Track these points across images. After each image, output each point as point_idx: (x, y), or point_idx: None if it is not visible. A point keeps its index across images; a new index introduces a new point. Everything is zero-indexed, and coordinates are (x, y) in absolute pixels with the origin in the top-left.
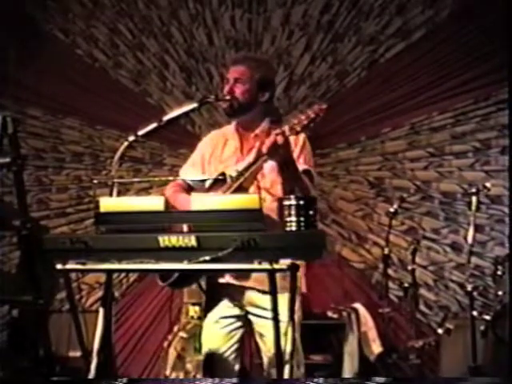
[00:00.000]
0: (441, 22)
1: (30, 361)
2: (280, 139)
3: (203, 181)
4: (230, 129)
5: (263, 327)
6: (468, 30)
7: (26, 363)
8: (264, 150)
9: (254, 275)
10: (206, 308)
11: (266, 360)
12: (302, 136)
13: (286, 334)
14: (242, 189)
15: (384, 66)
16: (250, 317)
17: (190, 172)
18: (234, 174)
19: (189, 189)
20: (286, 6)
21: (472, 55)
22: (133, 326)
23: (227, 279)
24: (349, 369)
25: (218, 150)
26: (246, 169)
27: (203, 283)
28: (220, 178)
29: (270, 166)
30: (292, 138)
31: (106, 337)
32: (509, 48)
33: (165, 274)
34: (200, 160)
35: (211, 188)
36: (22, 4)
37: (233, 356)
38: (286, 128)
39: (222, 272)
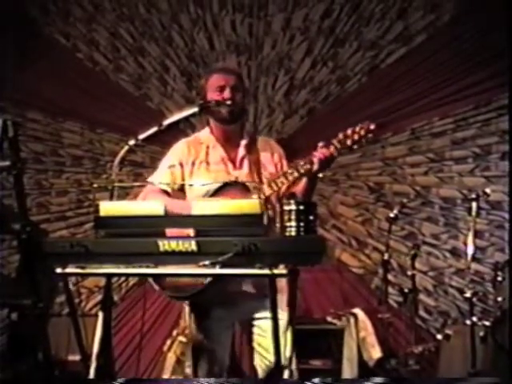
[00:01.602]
0: (441, 27)
1: (29, 364)
2: (334, 151)
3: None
4: (206, 136)
5: (259, 327)
6: (469, 35)
7: (26, 367)
8: (316, 160)
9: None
10: (198, 314)
11: (259, 362)
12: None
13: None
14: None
15: (385, 72)
16: (252, 322)
17: (167, 179)
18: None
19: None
20: (287, 11)
21: (473, 60)
22: (132, 330)
23: (245, 288)
24: (348, 374)
25: (202, 157)
26: (285, 177)
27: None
28: (226, 183)
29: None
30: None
31: (106, 341)
32: (509, 53)
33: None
34: (179, 167)
35: (215, 194)
36: (23, 7)
37: (224, 358)
38: (335, 142)
39: (222, 277)
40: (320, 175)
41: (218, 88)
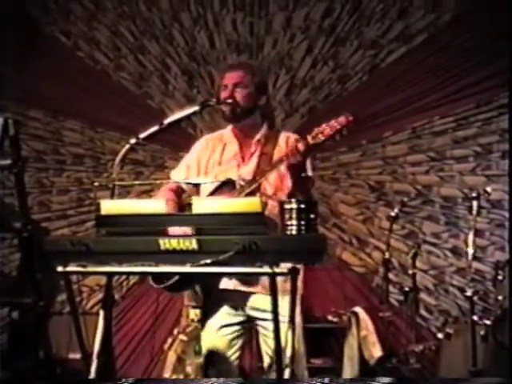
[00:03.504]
0: (442, 27)
1: (30, 363)
2: (301, 147)
3: (213, 184)
4: (226, 133)
5: (266, 328)
6: (469, 34)
7: (26, 365)
8: (285, 156)
9: (261, 281)
10: (205, 313)
11: (268, 361)
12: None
13: (287, 336)
14: (250, 194)
15: (385, 71)
16: (255, 321)
17: (183, 175)
18: (238, 179)
19: (182, 192)
20: (288, 10)
21: (473, 60)
22: (133, 328)
23: (234, 285)
24: (349, 373)
25: (217, 154)
26: (261, 175)
27: (198, 288)
28: (226, 181)
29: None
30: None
31: (106, 339)
32: (510, 52)
33: (160, 277)
34: (196, 163)
35: (215, 192)
36: (23, 6)
37: (234, 362)
38: (309, 137)
39: (223, 275)
40: (309, 174)
41: (223, 87)
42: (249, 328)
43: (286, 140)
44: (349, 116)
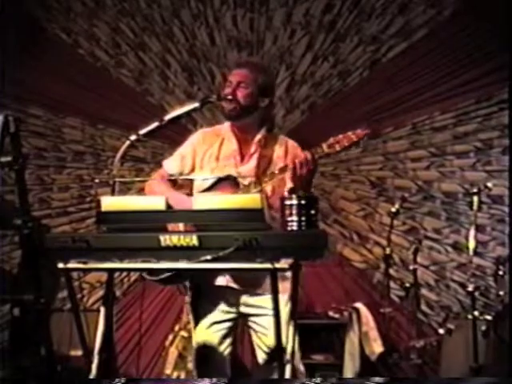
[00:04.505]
0: (443, 22)
1: (31, 360)
2: (313, 155)
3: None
4: (225, 129)
5: (259, 324)
6: (470, 29)
7: (28, 362)
8: (293, 166)
9: (253, 280)
10: (195, 310)
11: (263, 356)
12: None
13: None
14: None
15: (386, 66)
16: (247, 317)
17: (177, 165)
18: (239, 177)
19: (172, 183)
20: (288, 6)
21: (474, 55)
22: (134, 325)
23: (227, 282)
24: (350, 368)
25: (214, 149)
26: (270, 177)
27: (188, 284)
28: (226, 178)
29: None
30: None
31: (108, 336)
32: (510, 48)
33: (154, 270)
34: (191, 155)
35: (212, 187)
36: (24, 3)
37: (226, 357)
38: (324, 145)
39: (223, 271)
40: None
41: (229, 82)
42: (240, 324)
43: (284, 144)
44: (366, 129)
